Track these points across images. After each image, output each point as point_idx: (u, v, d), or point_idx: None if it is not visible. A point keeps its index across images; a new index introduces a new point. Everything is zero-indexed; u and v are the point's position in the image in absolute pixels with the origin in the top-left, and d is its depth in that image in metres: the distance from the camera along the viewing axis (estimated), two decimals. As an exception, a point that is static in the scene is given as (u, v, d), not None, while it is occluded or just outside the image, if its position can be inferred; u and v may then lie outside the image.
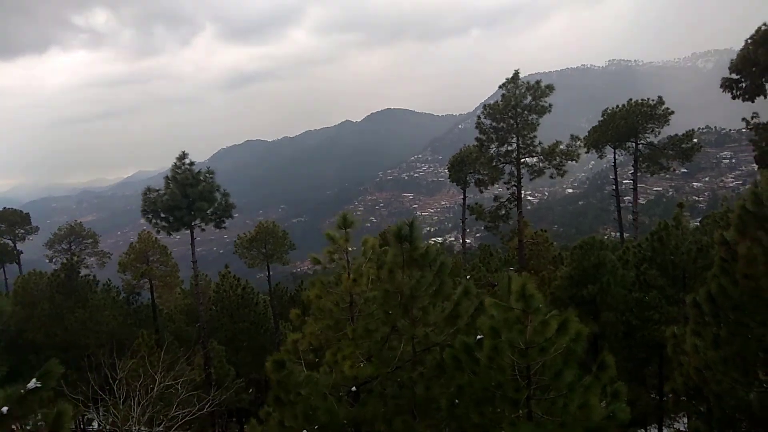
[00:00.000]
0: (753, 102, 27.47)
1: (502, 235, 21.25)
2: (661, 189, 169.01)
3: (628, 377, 23.01)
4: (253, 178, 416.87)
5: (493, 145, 20.91)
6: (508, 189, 21.47)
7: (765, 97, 27.53)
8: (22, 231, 48.74)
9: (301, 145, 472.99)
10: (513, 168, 20.72)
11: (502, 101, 20.42)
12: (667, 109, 30.80)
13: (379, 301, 8.86)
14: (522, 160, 20.92)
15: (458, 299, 8.62)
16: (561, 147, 20.73)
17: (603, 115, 33.02)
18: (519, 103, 20.24)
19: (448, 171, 35.63)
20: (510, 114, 20.37)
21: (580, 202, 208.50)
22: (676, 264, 19.87)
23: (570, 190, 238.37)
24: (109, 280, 32.75)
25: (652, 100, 31.11)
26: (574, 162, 20.67)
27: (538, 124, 20.66)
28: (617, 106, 32.48)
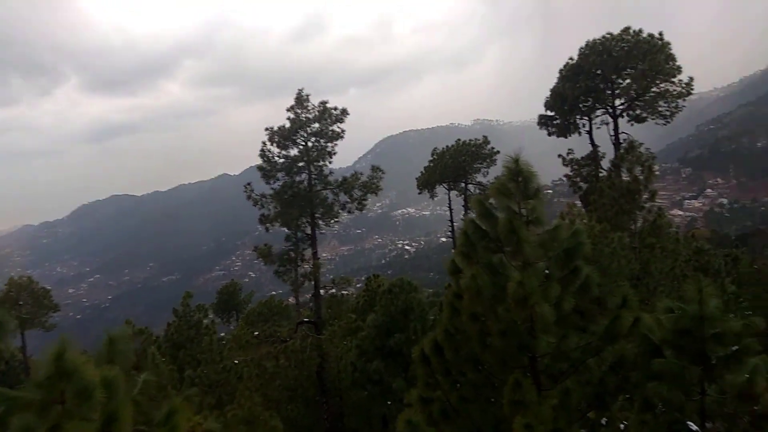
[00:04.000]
0: (566, 138, 27.65)
1: (293, 281, 18.24)
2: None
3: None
4: (118, 235, 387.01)
5: (279, 175, 18.15)
6: (298, 227, 18.63)
7: (579, 134, 28.00)
8: None
9: (173, 200, 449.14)
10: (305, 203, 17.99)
11: (289, 125, 17.86)
12: (493, 148, 30.31)
13: None
14: (316, 193, 18.24)
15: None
16: (363, 179, 18.37)
17: (433, 154, 31.97)
18: (307, 128, 17.77)
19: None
20: (299, 140, 17.82)
21: (453, 250, 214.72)
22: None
23: (443, 239, 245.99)
24: None
25: (478, 140, 30.53)
26: (375, 195, 18.41)
27: (334, 153, 18.25)
28: (446, 147, 31.60)
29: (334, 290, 19.59)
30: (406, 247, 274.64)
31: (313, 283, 17.93)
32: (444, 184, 32.12)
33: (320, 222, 20.63)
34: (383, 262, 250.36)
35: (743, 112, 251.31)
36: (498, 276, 6.94)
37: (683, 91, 26.83)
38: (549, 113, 27.71)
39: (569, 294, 6.65)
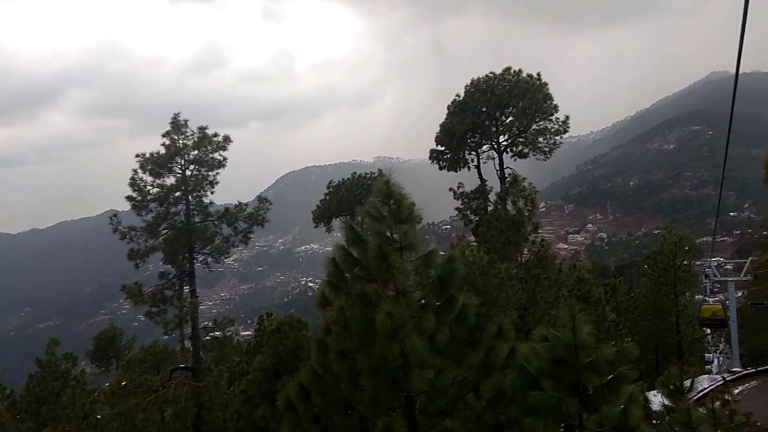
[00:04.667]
0: (457, 172, 28.32)
1: (166, 324, 16.61)
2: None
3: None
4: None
5: (152, 205, 16.65)
6: (182, 264, 17.12)
7: (468, 169, 28.86)
8: None
9: (54, 238, 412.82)
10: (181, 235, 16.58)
11: (164, 151, 16.51)
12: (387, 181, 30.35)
13: None
14: (194, 225, 16.90)
15: None
16: (248, 210, 17.31)
17: (329, 187, 31.47)
18: (185, 155, 16.54)
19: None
20: (176, 168, 16.53)
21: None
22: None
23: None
24: None
25: (374, 173, 30.44)
26: (261, 227, 17.39)
27: (216, 182, 17.07)
28: (342, 179, 31.25)
29: (216, 332, 17.99)
30: (310, 284, 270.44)
31: (190, 324, 16.34)
32: (341, 218, 31.59)
33: (209, 258, 19.15)
34: (286, 300, 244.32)
35: (617, 153, 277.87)
36: (370, 307, 6.34)
37: (560, 128, 28.72)
38: (440, 148, 28.38)
39: (445, 324, 6.19)
